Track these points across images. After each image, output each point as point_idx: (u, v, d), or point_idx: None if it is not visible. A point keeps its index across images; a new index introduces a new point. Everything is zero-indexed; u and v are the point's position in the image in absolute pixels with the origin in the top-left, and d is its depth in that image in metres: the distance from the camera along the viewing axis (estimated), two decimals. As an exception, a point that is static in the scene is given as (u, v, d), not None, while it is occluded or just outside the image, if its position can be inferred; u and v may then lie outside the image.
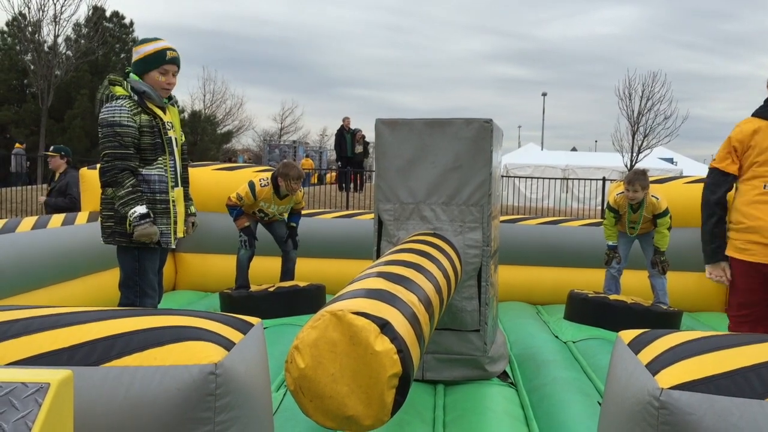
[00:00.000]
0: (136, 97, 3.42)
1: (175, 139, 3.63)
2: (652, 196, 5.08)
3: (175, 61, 3.54)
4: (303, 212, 5.83)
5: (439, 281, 2.65)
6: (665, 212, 5.06)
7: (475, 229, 3.57)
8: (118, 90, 3.45)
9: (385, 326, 1.79)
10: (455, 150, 3.54)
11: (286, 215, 5.56)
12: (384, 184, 3.65)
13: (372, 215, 4.95)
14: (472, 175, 3.54)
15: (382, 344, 1.76)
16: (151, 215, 3.41)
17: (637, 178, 5.02)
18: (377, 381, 1.73)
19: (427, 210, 3.60)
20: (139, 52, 3.51)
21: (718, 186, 3.19)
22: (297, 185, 5.29)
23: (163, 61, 3.49)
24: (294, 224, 5.54)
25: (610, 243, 5.31)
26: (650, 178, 5.29)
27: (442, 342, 3.61)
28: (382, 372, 1.73)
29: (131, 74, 3.51)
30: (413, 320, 2.01)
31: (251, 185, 5.26)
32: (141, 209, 3.36)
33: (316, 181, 20.69)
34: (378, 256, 3.60)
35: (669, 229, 5.10)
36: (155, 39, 3.55)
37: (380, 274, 2.30)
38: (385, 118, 3.63)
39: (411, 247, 2.98)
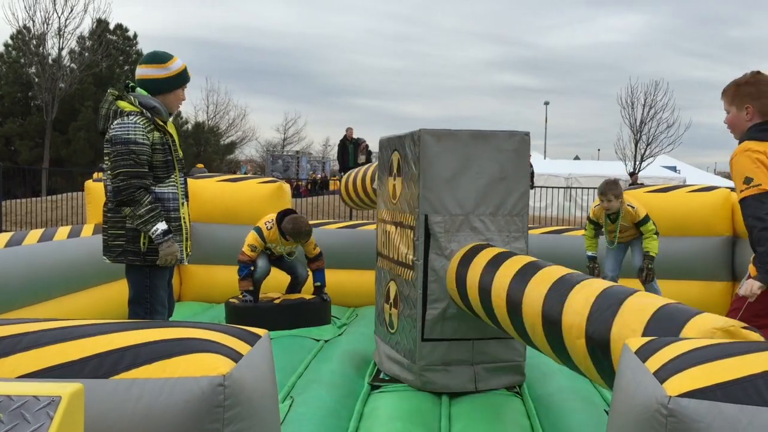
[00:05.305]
0: (148, 114, 3.35)
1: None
2: (628, 205, 5.11)
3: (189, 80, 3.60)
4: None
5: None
6: (645, 219, 5.09)
7: (519, 239, 3.67)
8: (125, 105, 3.36)
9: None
10: (499, 161, 3.62)
11: (294, 253, 5.52)
12: (431, 195, 3.61)
13: (374, 226, 4.94)
14: (515, 186, 3.65)
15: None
16: (172, 231, 3.41)
17: (609, 189, 5.08)
18: None
19: (476, 221, 3.63)
20: (169, 69, 3.44)
21: None
22: (305, 241, 5.24)
23: (187, 79, 3.53)
24: (319, 283, 5.43)
25: (589, 254, 5.35)
26: (653, 187, 5.27)
27: (490, 352, 3.69)
28: None
29: (137, 89, 3.43)
30: None
31: (258, 231, 5.22)
32: (162, 226, 3.34)
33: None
34: (425, 270, 3.58)
35: (657, 234, 5.10)
36: (170, 55, 3.49)
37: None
38: (430, 129, 3.62)
39: (532, 261, 3.07)
